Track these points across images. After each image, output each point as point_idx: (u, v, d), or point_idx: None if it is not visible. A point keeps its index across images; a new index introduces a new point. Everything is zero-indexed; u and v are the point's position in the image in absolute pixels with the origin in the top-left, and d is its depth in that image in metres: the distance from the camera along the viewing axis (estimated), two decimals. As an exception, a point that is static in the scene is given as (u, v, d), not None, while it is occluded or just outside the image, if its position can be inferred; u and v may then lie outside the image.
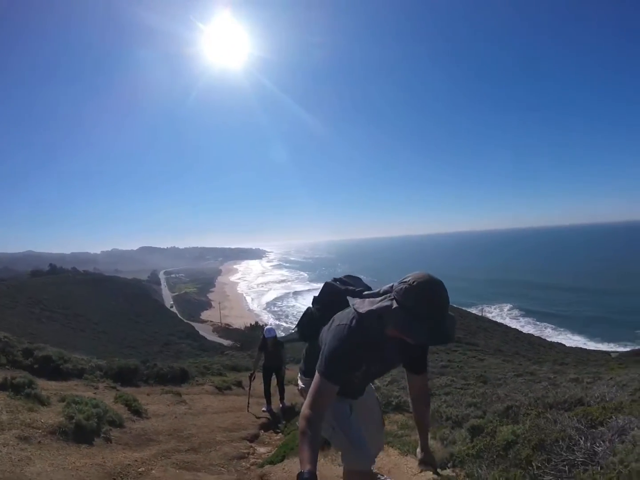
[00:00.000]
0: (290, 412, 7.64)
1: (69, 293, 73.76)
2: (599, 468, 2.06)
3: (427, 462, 2.25)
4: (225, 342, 61.72)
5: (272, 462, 4.49)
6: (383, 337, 1.84)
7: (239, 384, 11.02)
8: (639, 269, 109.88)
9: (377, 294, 1.92)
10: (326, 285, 2.30)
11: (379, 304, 1.79)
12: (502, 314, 78.93)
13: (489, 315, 69.28)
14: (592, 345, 51.49)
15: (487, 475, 2.69)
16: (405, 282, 1.71)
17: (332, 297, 2.20)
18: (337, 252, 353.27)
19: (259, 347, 8.00)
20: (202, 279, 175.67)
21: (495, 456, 2.86)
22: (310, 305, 2.34)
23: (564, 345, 46.13)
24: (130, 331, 61.39)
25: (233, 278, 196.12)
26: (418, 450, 2.30)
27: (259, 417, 7.32)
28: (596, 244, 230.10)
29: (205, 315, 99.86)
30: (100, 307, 71.86)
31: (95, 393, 6.83)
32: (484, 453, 3.16)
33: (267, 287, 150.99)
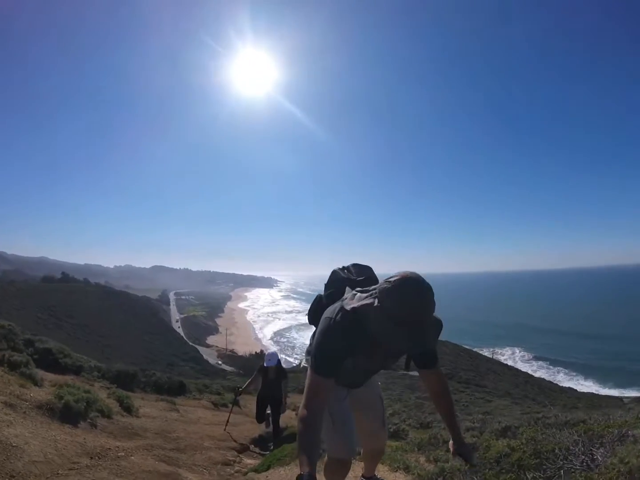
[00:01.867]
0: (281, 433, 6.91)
1: (78, 302, 74.34)
2: (597, 471, 1.97)
3: (461, 453, 2.14)
4: (229, 369, 61.13)
5: (256, 471, 4.39)
6: (368, 334, 1.78)
7: (236, 403, 10.83)
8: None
9: (368, 290, 1.88)
10: (333, 273, 2.34)
11: (362, 302, 1.78)
12: (513, 357, 77.06)
13: (501, 358, 67.82)
14: (604, 391, 49.80)
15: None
16: (389, 281, 1.68)
17: (336, 285, 2.24)
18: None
19: (258, 370, 7.04)
20: (211, 303, 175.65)
21: (487, 469, 2.73)
22: (322, 294, 2.36)
23: (576, 390, 44.48)
24: (134, 348, 61.30)
25: (242, 305, 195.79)
26: (450, 442, 2.22)
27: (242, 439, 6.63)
28: (607, 286, 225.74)
29: (211, 340, 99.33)
30: (107, 320, 72.14)
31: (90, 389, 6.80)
32: (480, 466, 3.04)
33: (275, 317, 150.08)
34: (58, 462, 2.85)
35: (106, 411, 4.84)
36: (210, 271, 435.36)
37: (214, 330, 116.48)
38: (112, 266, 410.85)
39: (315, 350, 1.85)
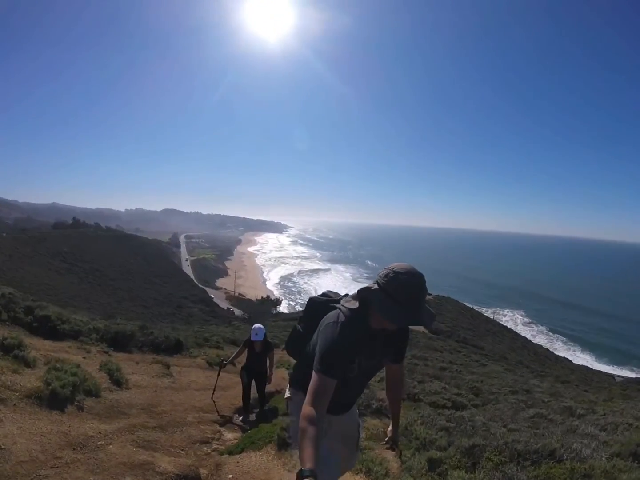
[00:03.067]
0: (268, 415, 6.90)
1: (89, 247, 75.79)
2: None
3: (391, 440, 2.49)
4: (237, 312, 62.84)
5: (230, 453, 4.76)
6: (369, 330, 2.00)
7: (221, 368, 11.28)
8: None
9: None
10: (309, 300, 2.39)
11: (363, 287, 1.99)
12: (515, 320, 78.53)
13: (502, 320, 68.86)
14: (598, 366, 51.17)
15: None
16: (388, 268, 1.91)
17: (315, 311, 2.25)
18: (352, 234, 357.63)
19: (244, 343, 7.14)
20: (221, 247, 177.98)
21: None
22: (297, 324, 2.43)
23: (570, 361, 45.96)
24: (145, 290, 63.04)
25: (252, 249, 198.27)
26: (389, 429, 2.54)
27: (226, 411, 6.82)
28: (619, 263, 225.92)
29: (220, 282, 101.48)
30: (118, 264, 73.74)
31: (85, 357, 7.22)
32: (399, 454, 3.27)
33: (283, 262, 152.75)
34: (42, 459, 3.21)
35: (94, 390, 5.23)
36: (220, 215, 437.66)
37: (223, 273, 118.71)
38: (123, 210, 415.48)
39: (323, 353, 1.91)
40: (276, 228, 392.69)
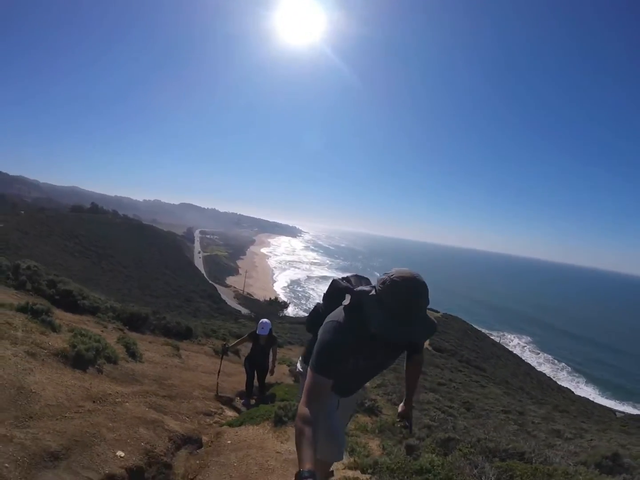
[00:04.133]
0: (267, 401, 7.06)
1: (105, 233, 76.96)
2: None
3: (404, 415, 2.58)
4: (243, 311, 63.23)
5: (230, 425, 5.18)
6: (368, 332, 1.90)
7: (236, 352, 11.73)
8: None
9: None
10: (333, 282, 2.38)
11: (361, 288, 2.00)
12: (521, 346, 77.91)
13: (509, 344, 68.40)
14: (600, 400, 50.37)
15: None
16: (387, 273, 1.86)
17: (336, 294, 2.27)
18: (364, 245, 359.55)
19: (249, 334, 7.43)
20: (234, 245, 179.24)
21: (407, 478, 3.36)
22: (320, 301, 2.45)
23: (572, 392, 45.29)
24: (156, 281, 63.91)
25: (265, 250, 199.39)
26: (401, 404, 2.63)
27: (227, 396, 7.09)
28: (629, 296, 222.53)
29: (230, 280, 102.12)
30: (132, 252, 74.85)
31: (102, 331, 7.71)
32: (399, 472, 3.66)
33: (294, 266, 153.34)
34: (66, 405, 3.63)
35: (113, 357, 5.69)
36: (237, 214, 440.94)
37: (234, 271, 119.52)
38: (141, 200, 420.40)
39: (319, 352, 1.91)
40: (290, 232, 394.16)
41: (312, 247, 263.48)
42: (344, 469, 4.16)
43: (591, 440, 8.95)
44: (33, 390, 3.60)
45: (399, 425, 2.71)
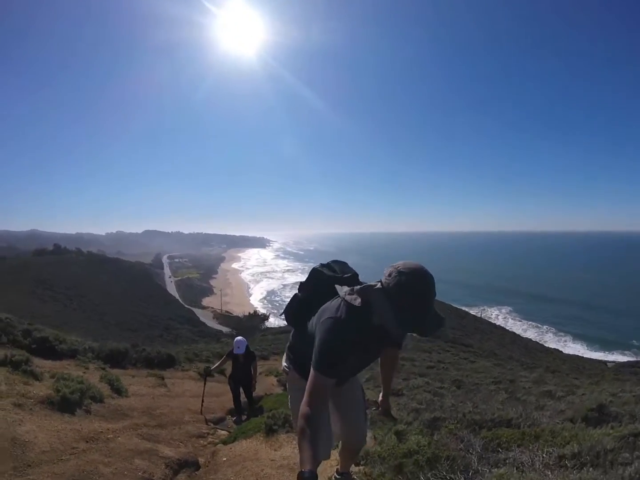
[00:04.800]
0: (257, 414, 7.08)
1: (72, 273, 75.16)
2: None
3: (385, 408, 2.69)
4: (224, 330, 62.66)
5: (224, 443, 5.34)
6: (369, 326, 1.87)
7: (221, 372, 11.80)
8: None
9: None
10: (313, 271, 2.30)
11: (366, 285, 1.89)
12: (503, 317, 79.25)
13: (491, 317, 69.74)
14: (589, 354, 52.11)
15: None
16: (393, 266, 1.78)
17: (319, 284, 2.20)
18: (331, 245, 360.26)
19: (227, 354, 7.58)
20: (205, 265, 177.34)
21: (396, 462, 3.50)
22: (297, 292, 2.34)
23: (561, 352, 46.31)
24: (131, 314, 62.52)
25: (236, 265, 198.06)
26: (379, 398, 2.72)
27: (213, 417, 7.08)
28: (597, 253, 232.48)
29: (206, 301, 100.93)
30: (102, 288, 73.16)
31: (84, 372, 7.70)
32: (389, 458, 3.77)
33: (268, 277, 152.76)
34: (61, 449, 3.75)
35: (98, 396, 5.75)
36: (202, 233, 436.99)
37: (209, 291, 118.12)
38: (103, 233, 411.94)
39: (322, 352, 1.84)
40: (259, 243, 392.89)
41: (282, 255, 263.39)
42: (338, 464, 4.38)
43: (583, 395, 9.10)
44: (26, 440, 3.70)
45: (377, 415, 2.82)
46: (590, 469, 2.82)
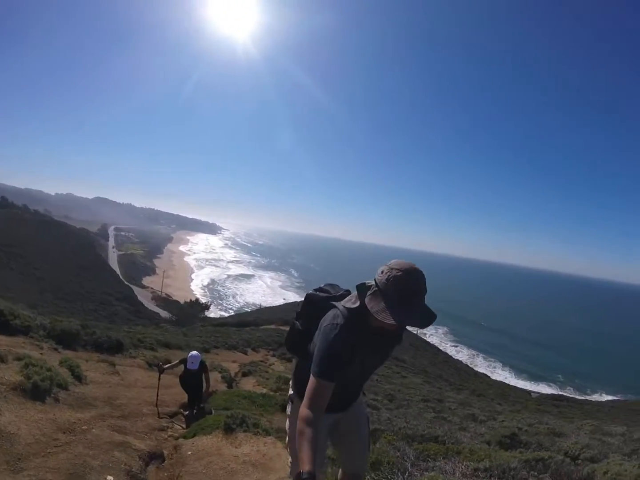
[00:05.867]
0: (206, 411, 7.40)
1: (14, 231, 71.02)
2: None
3: None
4: (162, 313, 61.22)
5: (185, 437, 5.66)
6: (370, 329, 1.92)
7: (168, 362, 11.83)
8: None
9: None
10: (307, 296, 2.28)
11: (361, 284, 1.94)
12: (439, 336, 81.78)
13: (426, 335, 71.88)
14: (516, 382, 54.59)
15: None
16: (387, 265, 1.83)
17: (314, 308, 2.18)
18: (281, 242, 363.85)
19: (180, 361, 7.64)
20: (151, 243, 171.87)
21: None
22: (295, 321, 2.32)
23: (489, 377, 48.21)
24: (68, 283, 60.05)
25: (183, 248, 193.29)
26: None
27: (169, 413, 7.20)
28: (554, 291, 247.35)
29: (147, 280, 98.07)
30: (43, 251, 69.54)
31: (41, 353, 7.67)
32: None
33: (213, 265, 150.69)
34: (44, 441, 3.88)
35: (64, 384, 5.82)
36: (154, 209, 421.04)
37: (151, 271, 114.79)
38: (53, 193, 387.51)
39: (321, 356, 1.87)
40: (210, 229, 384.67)
41: (232, 245, 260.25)
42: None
43: (502, 421, 9.88)
44: (12, 432, 3.81)
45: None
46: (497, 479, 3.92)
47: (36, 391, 5.09)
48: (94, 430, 4.63)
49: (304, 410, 1.78)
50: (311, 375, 1.88)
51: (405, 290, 1.73)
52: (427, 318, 1.77)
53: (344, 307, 1.98)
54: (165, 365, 8.04)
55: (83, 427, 4.63)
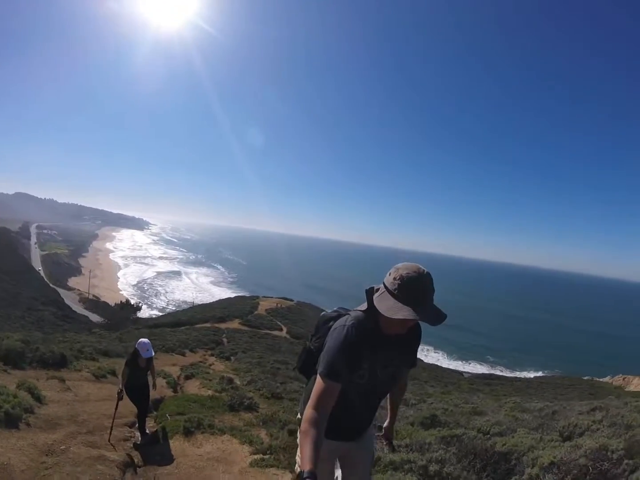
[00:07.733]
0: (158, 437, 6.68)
1: None
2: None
3: (387, 436, 2.59)
4: (92, 316, 58.13)
5: (150, 444, 6.30)
6: (380, 333, 1.90)
7: (113, 373, 11.80)
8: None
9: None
10: (321, 316, 2.24)
11: (370, 288, 1.95)
12: None
13: None
14: (448, 364, 56.96)
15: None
16: (395, 267, 1.82)
17: (327, 325, 2.11)
18: (209, 236, 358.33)
19: (127, 362, 6.50)
20: (75, 241, 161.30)
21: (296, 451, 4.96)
22: (307, 341, 2.27)
23: (422, 360, 48.43)
24: (-11, 288, 55.31)
25: (109, 245, 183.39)
26: (385, 424, 2.59)
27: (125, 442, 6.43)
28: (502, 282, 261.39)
29: (73, 282, 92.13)
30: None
31: (-3, 377, 7.79)
32: (289, 448, 5.33)
33: (141, 262, 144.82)
34: (35, 466, 4.24)
35: (29, 407, 6.10)
36: (77, 204, 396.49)
37: (77, 271, 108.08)
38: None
39: (328, 356, 1.85)
40: (137, 224, 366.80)
41: (159, 241, 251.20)
42: (250, 454, 5.69)
43: (432, 403, 10.41)
44: (5, 463, 4.13)
45: (383, 443, 2.73)
46: (415, 452, 4.72)
47: (9, 419, 5.38)
48: (72, 448, 5.09)
49: (308, 410, 1.75)
50: (318, 375, 1.85)
51: (413, 289, 1.73)
52: (436, 316, 1.75)
53: (354, 310, 2.03)
54: (120, 387, 6.84)
55: (61, 447, 5.07)
